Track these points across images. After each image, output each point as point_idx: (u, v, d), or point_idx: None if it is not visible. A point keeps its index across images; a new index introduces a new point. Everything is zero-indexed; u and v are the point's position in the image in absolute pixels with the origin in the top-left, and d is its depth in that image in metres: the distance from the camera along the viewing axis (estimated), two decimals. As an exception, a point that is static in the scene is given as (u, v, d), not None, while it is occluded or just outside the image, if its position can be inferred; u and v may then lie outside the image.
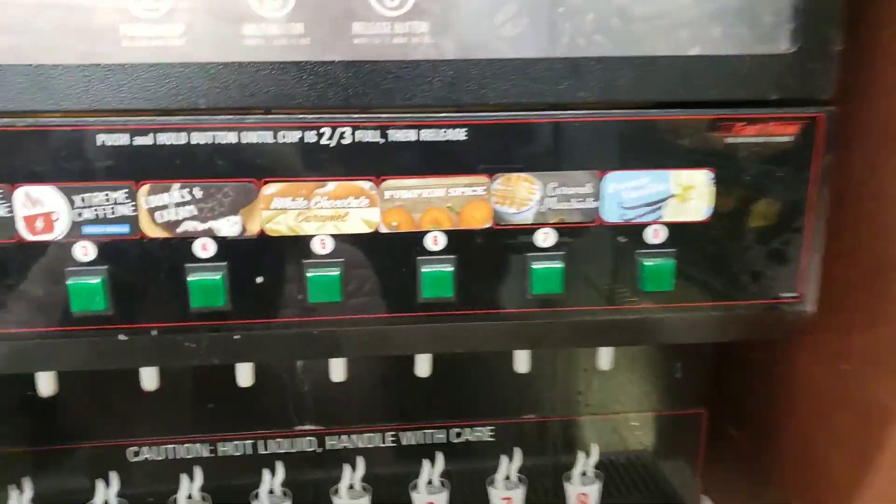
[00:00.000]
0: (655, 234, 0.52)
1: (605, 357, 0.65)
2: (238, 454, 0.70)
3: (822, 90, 0.51)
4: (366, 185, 0.50)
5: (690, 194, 0.52)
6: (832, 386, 0.65)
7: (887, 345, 0.57)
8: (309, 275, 0.50)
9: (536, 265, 0.52)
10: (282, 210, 0.50)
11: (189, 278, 0.49)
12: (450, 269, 0.51)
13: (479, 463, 0.73)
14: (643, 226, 0.52)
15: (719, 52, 0.50)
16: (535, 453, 0.74)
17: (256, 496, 0.71)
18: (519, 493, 0.73)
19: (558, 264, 0.52)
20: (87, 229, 0.49)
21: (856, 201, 0.59)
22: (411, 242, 0.51)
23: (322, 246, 0.51)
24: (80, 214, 0.49)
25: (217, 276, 0.50)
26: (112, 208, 0.49)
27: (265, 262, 0.50)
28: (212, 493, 0.70)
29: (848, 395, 0.63)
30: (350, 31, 0.48)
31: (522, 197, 0.51)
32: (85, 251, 0.49)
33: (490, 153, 0.50)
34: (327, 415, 0.70)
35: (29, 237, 0.49)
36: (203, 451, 0.69)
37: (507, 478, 0.74)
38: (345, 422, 0.71)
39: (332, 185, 0.49)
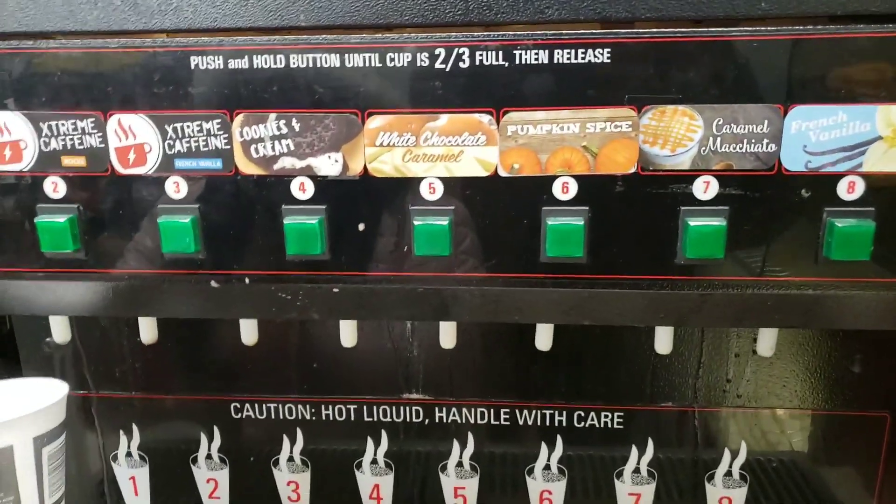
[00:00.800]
0: (851, 188, 0.41)
1: (766, 340, 0.54)
2: (341, 419, 0.65)
3: None
4: (484, 118, 0.42)
5: (906, 136, 0.40)
6: None
7: None
8: (416, 223, 0.43)
9: (693, 222, 0.42)
10: (388, 147, 0.43)
11: (285, 221, 0.44)
12: (580, 222, 0.42)
13: (605, 451, 0.64)
14: (836, 177, 0.41)
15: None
16: (671, 446, 0.64)
17: (359, 465, 0.66)
18: (649, 490, 0.64)
19: (721, 222, 0.41)
20: (180, 163, 0.44)
21: None
22: (536, 189, 0.43)
23: (431, 191, 0.43)
24: (171, 146, 0.44)
25: (314, 221, 0.44)
26: (205, 140, 0.44)
27: (368, 207, 0.44)
28: (313, 457, 0.66)
29: None
30: (473, -70, 0.40)
31: (679, 135, 0.41)
32: (177, 187, 0.45)
33: (639, 80, 0.40)
34: (436, 384, 0.64)
35: (122, 170, 0.45)
36: (306, 412, 0.65)
37: (637, 471, 0.64)
38: (455, 393, 0.64)
39: (444, 119, 0.42)
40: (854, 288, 0.43)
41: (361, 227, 0.44)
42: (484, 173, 0.43)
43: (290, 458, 0.65)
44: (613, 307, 0.45)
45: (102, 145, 0.45)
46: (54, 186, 0.46)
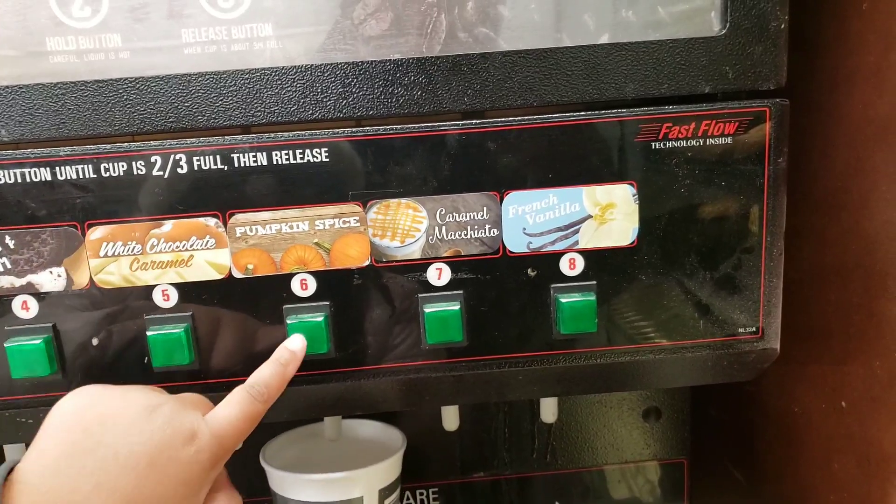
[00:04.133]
0: (571, 265, 0.43)
1: (547, 408, 0.55)
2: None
3: (767, 78, 0.41)
4: (210, 221, 0.41)
5: (610, 214, 0.42)
6: (832, 425, 0.54)
7: (883, 379, 0.47)
8: (150, 334, 0.42)
9: (430, 308, 0.42)
10: (113, 257, 0.41)
11: (6, 345, 0.41)
12: (320, 318, 0.42)
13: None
14: (556, 255, 0.43)
15: (634, 38, 0.41)
16: (483, 517, 0.64)
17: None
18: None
19: (456, 306, 0.42)
20: None
21: (838, 209, 0.48)
22: (275, 288, 0.42)
23: (165, 297, 0.42)
24: None
25: (39, 341, 0.41)
26: (-90, 265, 0.41)
27: (99, 319, 0.42)
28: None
29: (848, 435, 0.52)
30: (180, 37, 0.40)
31: (406, 227, 0.42)
32: None
33: (360, 176, 0.41)
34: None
35: None
36: None
37: (455, 546, 0.64)
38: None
39: (169, 225, 0.41)
40: (589, 358, 0.44)
41: (95, 341, 0.42)
42: (218, 276, 0.42)
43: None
44: (366, 395, 0.45)
45: None
46: None
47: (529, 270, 0.43)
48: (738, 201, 0.42)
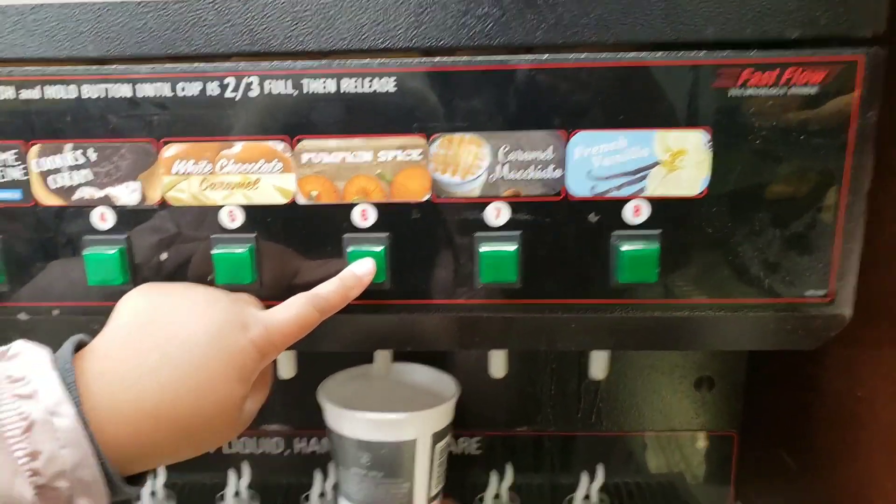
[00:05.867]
0: (636, 212, 0.42)
1: (598, 363, 0.54)
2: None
3: (862, 25, 0.38)
4: (279, 145, 0.42)
5: (680, 162, 0.41)
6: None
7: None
8: (214, 252, 0.43)
9: (486, 248, 0.42)
10: (184, 175, 0.43)
11: (85, 252, 0.43)
12: (380, 249, 0.43)
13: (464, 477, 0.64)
14: (620, 201, 0.42)
15: (718, -24, 0.39)
16: (528, 470, 0.64)
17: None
18: (511, 516, 0.64)
19: (512, 247, 0.42)
20: (-21, 195, 0.44)
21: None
22: (335, 217, 0.43)
23: (231, 218, 0.43)
24: (-30, 177, 0.44)
25: (114, 251, 0.43)
26: (2, 171, 0.43)
27: (168, 236, 0.44)
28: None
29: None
30: (258, -38, 0.40)
31: (468, 163, 0.42)
32: (-22, 219, 0.44)
33: (426, 109, 0.41)
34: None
35: (-80, 202, 0.44)
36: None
37: (497, 496, 0.64)
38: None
39: (239, 146, 0.42)
40: (646, 310, 0.43)
41: (164, 255, 0.44)
42: (283, 200, 0.43)
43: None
44: (415, 330, 0.45)
45: None
46: None
47: (591, 215, 0.42)
48: (818, 156, 0.40)
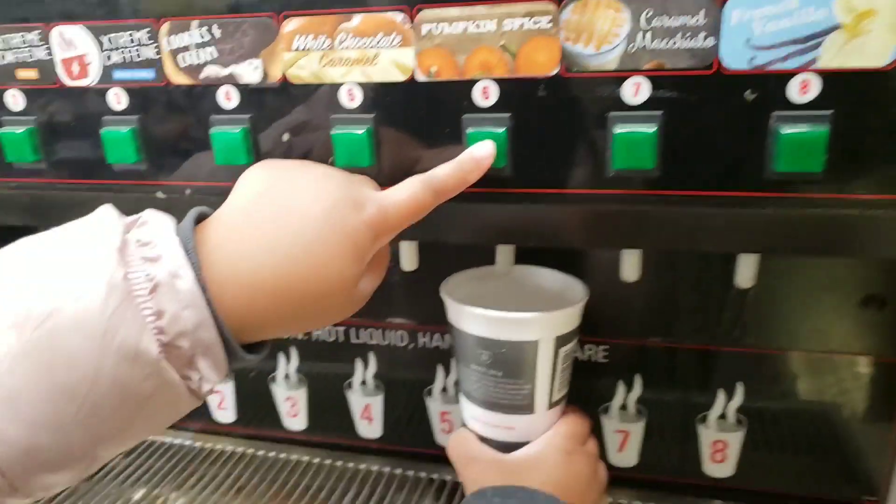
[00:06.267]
0: (803, 88, 0.35)
1: (745, 269, 0.49)
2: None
3: None
4: (398, 16, 0.39)
5: (868, 24, 0.33)
6: None
7: None
8: (334, 133, 0.42)
9: (620, 129, 0.38)
10: (304, 52, 0.41)
11: (212, 131, 0.44)
12: (501, 129, 0.39)
13: (590, 385, 0.62)
14: (785, 75, 0.35)
15: None
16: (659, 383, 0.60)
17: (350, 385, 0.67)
18: (638, 428, 0.61)
19: (651, 128, 0.37)
20: (117, 74, 0.45)
21: None
22: (454, 95, 0.40)
23: (350, 98, 0.42)
24: (109, 57, 0.45)
25: (238, 130, 0.43)
26: (137, 50, 0.44)
27: (289, 115, 0.43)
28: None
29: None
30: None
31: (604, 31, 0.37)
32: (118, 98, 0.46)
33: (558, -32, 0.36)
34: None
35: (69, 82, 0.46)
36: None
37: (624, 407, 0.61)
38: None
39: (358, 19, 0.40)
40: (810, 207, 0.37)
41: (285, 136, 0.44)
42: (402, 77, 0.40)
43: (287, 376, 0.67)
44: (539, 224, 0.42)
45: (49, 57, 0.46)
46: (14, 99, 0.48)
47: (748, 93, 0.36)
48: None
